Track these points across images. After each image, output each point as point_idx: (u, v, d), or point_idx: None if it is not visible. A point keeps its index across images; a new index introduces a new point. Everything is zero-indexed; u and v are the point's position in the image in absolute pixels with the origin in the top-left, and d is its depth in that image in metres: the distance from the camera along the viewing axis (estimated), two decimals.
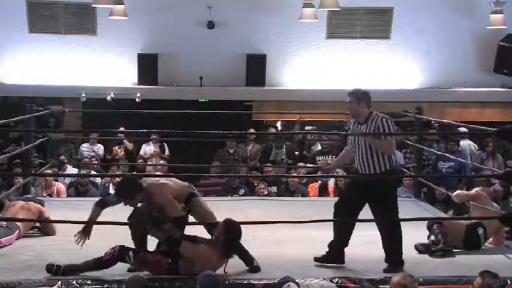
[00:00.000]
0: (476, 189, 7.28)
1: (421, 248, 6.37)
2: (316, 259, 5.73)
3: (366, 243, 6.15)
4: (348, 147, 6.11)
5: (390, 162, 5.76)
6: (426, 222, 6.69)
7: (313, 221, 5.90)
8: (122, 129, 11.06)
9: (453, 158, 10.39)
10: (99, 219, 5.69)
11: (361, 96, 5.85)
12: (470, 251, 6.45)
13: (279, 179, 10.77)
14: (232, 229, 5.49)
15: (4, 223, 6.45)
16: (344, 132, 5.81)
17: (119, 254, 5.39)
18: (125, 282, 5.02)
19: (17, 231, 6.52)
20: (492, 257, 6.28)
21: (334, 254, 5.76)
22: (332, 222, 5.85)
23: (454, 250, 6.36)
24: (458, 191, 7.53)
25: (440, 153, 10.59)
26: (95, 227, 5.70)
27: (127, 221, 5.68)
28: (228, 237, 5.45)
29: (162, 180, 5.93)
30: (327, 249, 5.79)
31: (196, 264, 5.23)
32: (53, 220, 6.82)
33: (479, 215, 6.76)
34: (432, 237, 6.44)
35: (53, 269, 5.37)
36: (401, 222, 5.82)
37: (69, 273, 5.34)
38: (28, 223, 6.74)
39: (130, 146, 12.27)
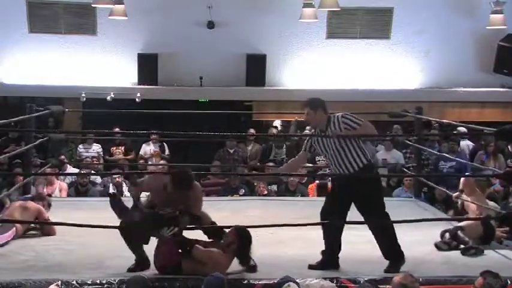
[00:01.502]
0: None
1: (444, 247, 6.39)
2: (310, 267, 5.70)
3: (365, 243, 6.14)
4: (302, 153, 6.05)
5: (365, 156, 5.72)
6: (427, 223, 6.69)
7: (314, 223, 5.88)
8: (117, 129, 11.06)
9: (452, 158, 10.38)
10: (101, 222, 5.66)
11: (316, 105, 5.79)
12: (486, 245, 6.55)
13: (279, 178, 10.76)
14: (244, 237, 5.50)
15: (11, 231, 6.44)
16: (342, 135, 5.74)
17: (172, 219, 5.41)
18: (125, 282, 5.02)
19: (13, 228, 6.49)
20: (492, 257, 6.29)
21: (328, 261, 5.74)
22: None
23: (443, 246, 6.44)
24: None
25: (440, 153, 10.59)
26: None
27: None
28: (242, 244, 5.47)
29: None
30: (321, 257, 5.77)
31: (208, 268, 5.20)
32: (52, 222, 6.82)
33: (475, 210, 6.83)
34: (447, 237, 6.49)
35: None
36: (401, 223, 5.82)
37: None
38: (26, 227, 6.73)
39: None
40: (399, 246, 5.73)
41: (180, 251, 5.41)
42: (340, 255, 5.79)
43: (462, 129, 10.32)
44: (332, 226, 5.79)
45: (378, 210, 5.73)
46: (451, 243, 6.42)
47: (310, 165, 11.29)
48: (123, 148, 12.70)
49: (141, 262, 5.55)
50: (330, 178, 9.81)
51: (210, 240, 5.72)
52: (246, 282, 5.32)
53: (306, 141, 6.01)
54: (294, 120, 13.19)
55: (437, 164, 11.26)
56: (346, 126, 5.68)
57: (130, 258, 5.60)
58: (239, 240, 5.47)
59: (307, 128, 11.17)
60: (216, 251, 5.47)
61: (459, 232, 6.46)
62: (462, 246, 6.42)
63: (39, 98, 13.00)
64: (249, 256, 5.53)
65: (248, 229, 5.60)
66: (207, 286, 4.63)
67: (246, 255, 5.51)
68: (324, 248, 5.81)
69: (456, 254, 6.35)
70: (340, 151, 5.69)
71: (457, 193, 7.28)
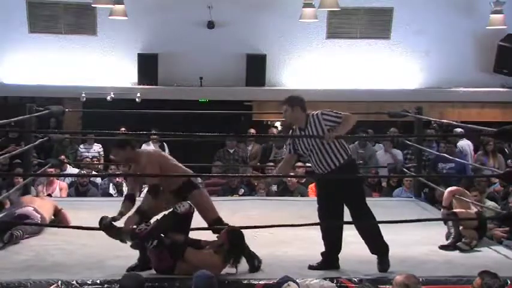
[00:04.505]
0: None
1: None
2: (310, 267, 5.70)
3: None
4: (288, 156, 6.04)
5: (346, 152, 5.73)
6: (427, 223, 6.70)
7: (313, 223, 5.89)
8: (123, 129, 11.04)
9: (452, 158, 10.36)
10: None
11: (294, 102, 5.74)
12: (481, 239, 6.64)
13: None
14: (234, 238, 5.49)
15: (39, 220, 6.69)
16: (343, 136, 5.74)
17: (147, 235, 5.40)
18: (120, 279, 4.98)
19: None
20: (492, 257, 6.30)
21: (328, 261, 5.74)
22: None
23: (464, 247, 6.46)
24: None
25: (440, 153, 10.57)
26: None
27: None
28: (232, 246, 5.46)
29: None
30: (321, 258, 5.76)
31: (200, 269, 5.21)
32: (56, 225, 6.95)
33: (464, 207, 6.89)
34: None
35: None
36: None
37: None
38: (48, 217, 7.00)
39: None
40: (383, 239, 5.73)
41: (171, 255, 5.41)
42: (340, 255, 5.79)
43: (458, 129, 10.28)
44: (329, 226, 5.79)
45: (359, 203, 5.74)
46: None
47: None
48: None
49: (143, 263, 5.56)
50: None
51: (213, 239, 5.72)
52: (246, 282, 5.32)
53: (288, 143, 5.98)
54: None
55: (435, 164, 11.23)
56: (327, 123, 5.64)
57: (130, 258, 5.61)
58: (229, 241, 5.45)
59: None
60: (208, 253, 5.45)
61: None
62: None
63: (39, 98, 13.01)
64: (241, 257, 5.50)
65: (242, 230, 5.59)
66: (196, 286, 4.64)
67: (238, 256, 5.48)
68: (322, 252, 5.81)
69: (456, 254, 6.37)
70: (322, 149, 5.69)
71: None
